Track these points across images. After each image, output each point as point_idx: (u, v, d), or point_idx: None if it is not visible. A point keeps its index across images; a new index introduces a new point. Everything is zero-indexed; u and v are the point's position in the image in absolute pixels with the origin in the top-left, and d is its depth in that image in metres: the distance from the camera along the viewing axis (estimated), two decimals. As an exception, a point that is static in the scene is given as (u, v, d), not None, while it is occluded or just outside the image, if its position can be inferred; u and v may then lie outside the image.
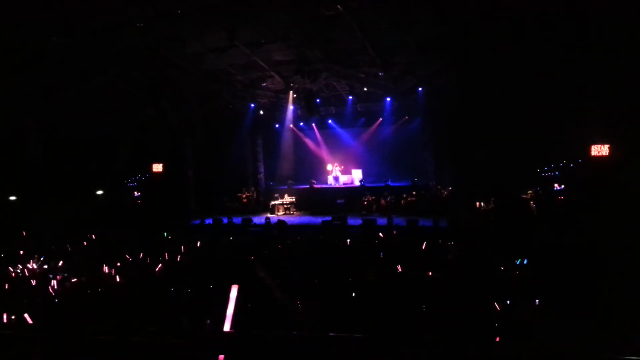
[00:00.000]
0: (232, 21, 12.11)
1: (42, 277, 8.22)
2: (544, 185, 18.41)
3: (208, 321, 5.03)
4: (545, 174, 19.94)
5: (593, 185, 14.30)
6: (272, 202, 20.30)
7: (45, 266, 9.33)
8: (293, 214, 19.79)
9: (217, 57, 14.95)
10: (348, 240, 11.22)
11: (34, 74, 13.64)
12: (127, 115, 18.51)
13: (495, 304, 5.45)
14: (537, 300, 5.63)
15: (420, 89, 18.29)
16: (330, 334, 3.11)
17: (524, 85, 14.97)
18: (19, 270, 8.86)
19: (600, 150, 14.34)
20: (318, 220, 15.93)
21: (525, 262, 7.77)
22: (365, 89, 19.29)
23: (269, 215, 18.02)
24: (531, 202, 16.21)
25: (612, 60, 13.00)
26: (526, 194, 16.88)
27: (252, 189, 22.64)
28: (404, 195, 19.02)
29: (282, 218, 17.35)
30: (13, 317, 5.61)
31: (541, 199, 16.75)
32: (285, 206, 20.07)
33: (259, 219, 16.93)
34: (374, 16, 12.41)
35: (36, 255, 9.90)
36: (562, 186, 17.96)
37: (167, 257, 9.55)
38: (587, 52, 12.87)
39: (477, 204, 16.71)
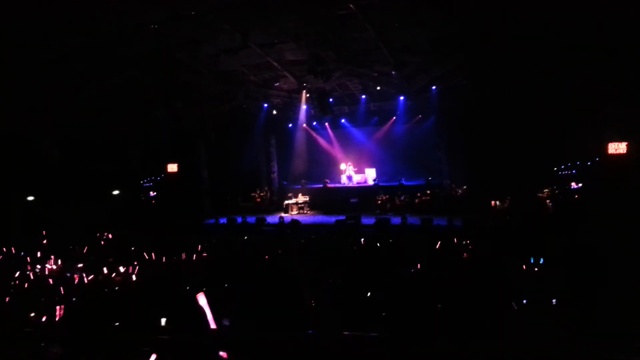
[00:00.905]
0: (244, 22, 12.16)
1: (60, 276, 8.33)
2: (560, 184, 18.19)
3: (225, 321, 5.05)
4: (561, 172, 19.71)
5: (611, 183, 14.09)
6: (286, 202, 20.33)
7: (63, 266, 9.47)
8: (307, 213, 19.80)
9: (230, 58, 15.00)
10: (362, 239, 11.19)
11: (50, 75, 13.82)
12: (142, 116, 18.68)
13: (513, 303, 5.40)
14: (554, 300, 5.56)
15: (433, 87, 18.17)
16: (345, 332, 3.10)
17: (539, 82, 14.78)
18: (37, 270, 9.00)
19: (617, 147, 14.12)
20: (332, 219, 15.92)
21: (541, 261, 7.68)
22: (378, 88, 19.24)
23: (282, 214, 18.05)
24: (547, 201, 16.01)
25: (628, 57, 12.79)
26: (542, 192, 16.68)
27: (266, 188, 22.72)
28: (418, 194, 18.92)
29: (296, 217, 17.38)
30: (32, 315, 5.71)
31: (557, 198, 16.55)
32: (298, 205, 20.09)
33: (272, 219, 16.99)
34: (386, 15, 12.36)
35: (53, 256, 10.05)
36: (579, 184, 17.73)
37: (182, 256, 9.62)
38: (604, 49, 12.67)
39: (492, 202, 16.55)
